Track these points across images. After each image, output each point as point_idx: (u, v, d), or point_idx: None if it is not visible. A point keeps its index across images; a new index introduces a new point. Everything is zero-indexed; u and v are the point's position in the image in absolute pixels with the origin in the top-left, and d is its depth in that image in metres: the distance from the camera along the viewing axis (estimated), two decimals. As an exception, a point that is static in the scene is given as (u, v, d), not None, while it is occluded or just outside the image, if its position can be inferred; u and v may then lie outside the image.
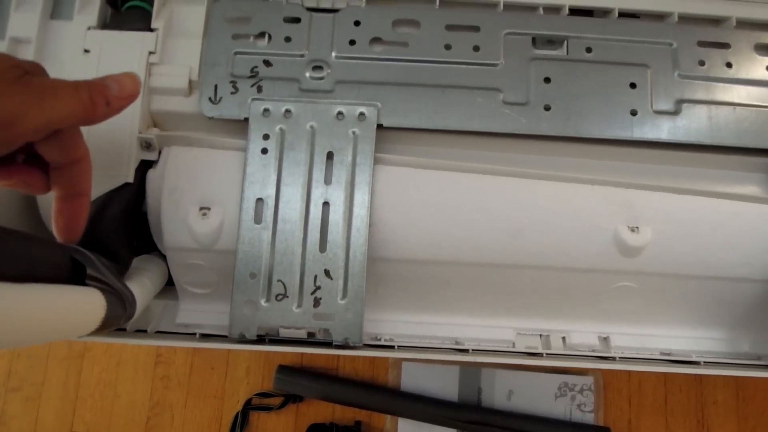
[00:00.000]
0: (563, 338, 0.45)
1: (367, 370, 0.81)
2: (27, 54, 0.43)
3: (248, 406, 0.77)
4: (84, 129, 0.40)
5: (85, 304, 0.31)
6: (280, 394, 0.78)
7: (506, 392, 0.80)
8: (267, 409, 0.77)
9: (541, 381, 0.81)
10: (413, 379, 0.80)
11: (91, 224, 0.39)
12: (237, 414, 0.77)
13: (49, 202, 0.42)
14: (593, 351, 0.44)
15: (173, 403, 0.79)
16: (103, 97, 0.29)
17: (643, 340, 0.45)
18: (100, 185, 0.40)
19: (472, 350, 0.42)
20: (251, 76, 0.41)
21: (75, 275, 0.33)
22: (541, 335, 0.45)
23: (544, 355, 0.42)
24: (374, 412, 0.78)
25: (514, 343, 0.45)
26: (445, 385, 0.80)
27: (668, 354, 0.44)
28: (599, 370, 0.81)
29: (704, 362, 0.42)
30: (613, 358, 0.42)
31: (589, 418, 0.80)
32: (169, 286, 0.46)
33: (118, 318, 0.35)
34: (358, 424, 0.77)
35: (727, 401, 0.83)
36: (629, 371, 0.82)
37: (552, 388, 0.81)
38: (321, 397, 0.77)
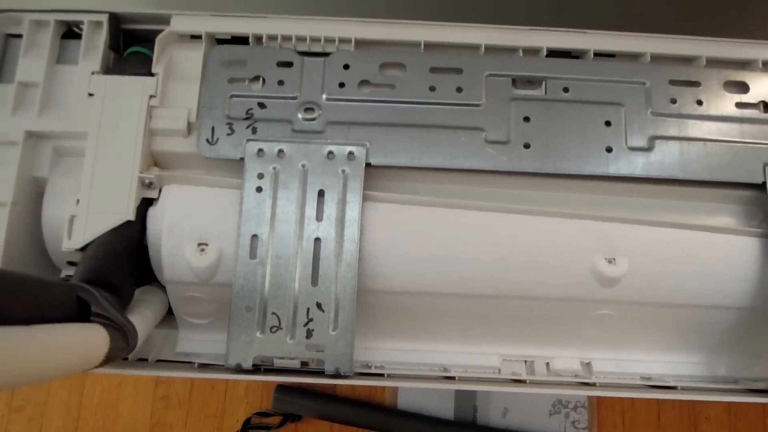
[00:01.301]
0: (547, 364, 0.47)
1: (364, 389, 0.82)
2: (34, 97, 0.45)
3: (247, 426, 0.79)
4: (88, 169, 0.43)
5: (89, 340, 0.33)
6: (279, 413, 0.79)
7: (501, 410, 0.82)
8: (266, 428, 0.79)
9: (535, 399, 0.82)
10: (410, 398, 0.81)
11: (96, 260, 0.42)
12: (236, 433, 0.79)
13: (55, 237, 0.44)
14: (576, 376, 0.46)
15: (173, 423, 0.81)
16: None
17: (625, 365, 0.47)
18: (103, 222, 0.42)
19: (459, 378, 0.43)
20: (246, 118, 0.44)
21: (81, 312, 0.35)
22: (525, 361, 0.47)
23: (528, 381, 0.44)
24: (372, 431, 0.79)
25: (500, 369, 0.46)
26: (441, 404, 0.81)
27: (648, 378, 0.46)
28: (592, 387, 0.82)
29: (681, 387, 0.44)
30: (593, 384, 0.44)
31: (583, 435, 0.81)
32: (169, 315, 0.48)
33: (122, 350, 0.37)
34: (356, 443, 0.79)
35: (720, 416, 0.84)
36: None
37: (546, 405, 0.82)
38: (319, 416, 0.79)
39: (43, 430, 0.81)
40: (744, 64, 0.47)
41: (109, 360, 0.35)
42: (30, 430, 0.81)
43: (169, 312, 0.48)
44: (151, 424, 0.81)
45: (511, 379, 0.44)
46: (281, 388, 0.79)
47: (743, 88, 0.46)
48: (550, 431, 0.81)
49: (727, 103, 0.45)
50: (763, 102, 0.46)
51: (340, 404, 0.79)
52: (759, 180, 0.44)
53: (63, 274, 0.48)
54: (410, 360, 0.46)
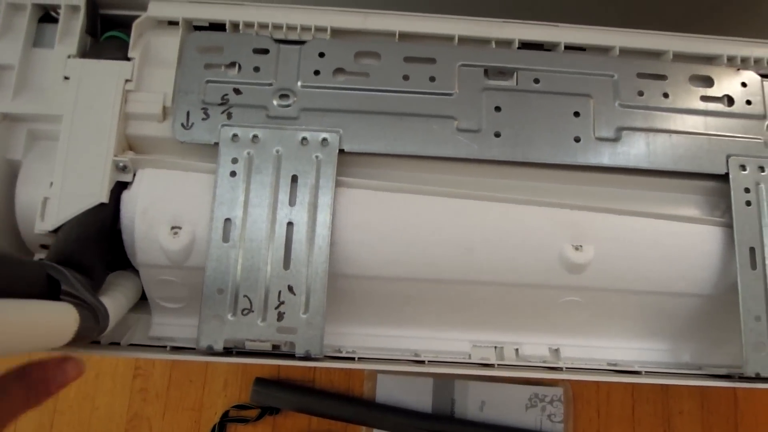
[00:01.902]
0: (516, 350, 0.48)
1: (342, 382, 0.82)
2: (9, 79, 0.45)
3: (225, 419, 0.79)
4: (63, 151, 0.43)
5: (58, 317, 0.34)
6: (257, 406, 0.79)
7: (479, 403, 0.83)
8: (244, 421, 0.79)
9: (512, 392, 0.83)
10: (388, 391, 0.82)
11: (68, 242, 0.42)
12: (214, 426, 0.79)
13: (27, 220, 0.44)
14: (544, 362, 0.47)
15: (151, 416, 0.81)
16: (46, 393, 0.29)
17: (592, 352, 0.48)
18: (76, 204, 0.42)
19: (428, 362, 0.44)
20: (222, 104, 0.44)
21: (50, 291, 0.35)
22: (495, 347, 0.48)
23: (496, 365, 0.45)
24: (350, 424, 0.80)
25: (470, 355, 0.47)
26: (419, 397, 0.82)
27: (615, 364, 0.47)
28: (569, 381, 0.84)
29: (645, 372, 0.45)
30: (561, 369, 0.45)
31: (558, 428, 0.83)
32: (143, 301, 0.48)
33: (91, 330, 0.37)
34: (334, 435, 0.79)
35: (693, 411, 0.86)
36: (598, 382, 0.85)
37: (523, 399, 0.83)
38: (297, 409, 0.79)
39: (18, 423, 0.80)
40: (709, 59, 0.49)
41: (78, 339, 0.36)
42: (5, 422, 0.80)
43: (143, 298, 0.48)
44: (129, 417, 0.81)
45: (480, 364, 0.45)
46: (259, 381, 0.79)
47: (708, 82, 0.47)
48: (527, 424, 0.82)
49: (692, 97, 0.47)
50: (727, 96, 0.47)
51: (318, 397, 0.79)
52: (722, 171, 0.45)
53: (36, 257, 0.48)
54: (382, 345, 0.47)
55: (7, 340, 0.29)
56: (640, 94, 0.46)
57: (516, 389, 0.83)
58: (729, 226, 0.45)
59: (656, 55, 0.48)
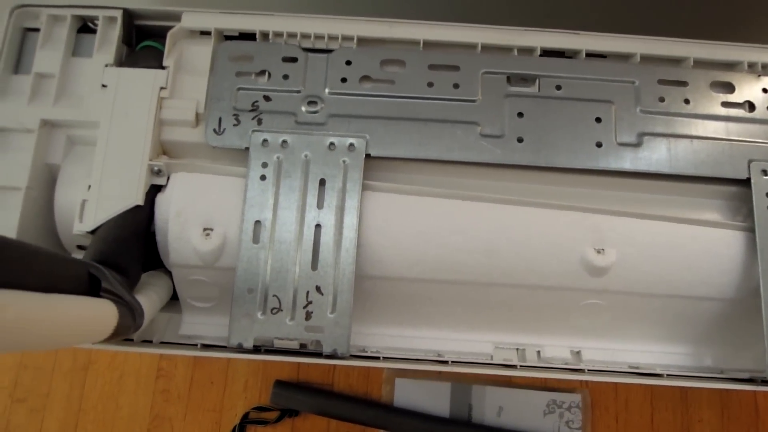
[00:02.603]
0: (538, 352, 0.49)
1: (361, 385, 0.83)
2: (50, 87, 0.47)
3: (245, 420, 0.80)
4: (100, 156, 0.45)
5: (100, 312, 0.35)
6: (277, 408, 0.80)
7: (496, 408, 0.83)
8: (264, 423, 0.80)
9: (530, 398, 0.83)
10: (406, 395, 0.82)
11: (105, 242, 0.43)
12: (234, 427, 0.80)
13: (66, 221, 0.46)
14: (566, 364, 0.48)
15: (173, 416, 0.82)
16: None
17: (614, 355, 0.49)
18: (113, 207, 0.44)
19: (452, 362, 0.45)
20: (252, 110, 0.46)
21: (91, 288, 0.37)
22: (517, 349, 0.49)
23: (519, 366, 0.46)
24: (368, 427, 0.80)
25: (492, 356, 0.48)
26: (436, 401, 0.82)
27: (636, 367, 0.48)
28: (587, 388, 0.84)
29: (667, 375, 0.45)
30: (582, 371, 0.46)
31: (577, 435, 0.82)
32: (173, 301, 0.49)
33: (128, 328, 0.39)
34: (352, 438, 0.80)
35: (712, 420, 0.85)
36: (616, 389, 0.85)
37: (541, 405, 0.83)
38: (316, 411, 0.80)
39: (44, 421, 0.82)
40: (730, 66, 0.49)
41: (116, 335, 0.37)
42: (32, 421, 0.82)
43: (173, 298, 0.49)
44: (151, 417, 0.82)
45: (503, 365, 0.46)
46: (279, 383, 0.80)
47: (729, 88, 0.48)
48: (545, 431, 0.82)
49: (713, 103, 0.47)
50: (748, 102, 0.48)
51: (337, 400, 0.80)
52: (743, 176, 0.46)
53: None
54: (405, 346, 0.48)
55: (52, 332, 0.31)
56: (662, 100, 0.47)
57: (534, 395, 0.83)
58: (751, 230, 0.45)
59: (677, 61, 0.49)
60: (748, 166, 0.46)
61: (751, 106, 0.48)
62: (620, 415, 0.85)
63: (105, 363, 0.84)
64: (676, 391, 0.85)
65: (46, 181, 0.47)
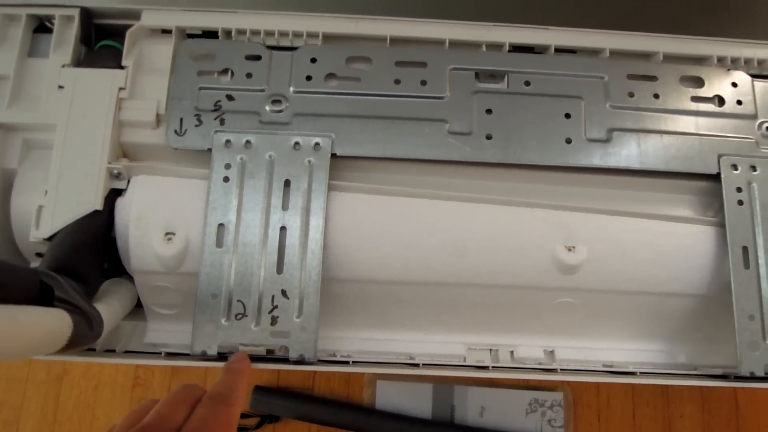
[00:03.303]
0: (511, 352, 0.48)
1: (342, 389, 0.82)
2: (4, 89, 0.46)
3: (224, 427, 0.78)
4: (57, 160, 0.43)
5: (52, 323, 0.34)
6: (257, 414, 0.79)
7: (479, 409, 0.82)
8: (244, 429, 0.79)
9: (512, 397, 0.83)
10: (387, 398, 0.82)
11: (62, 249, 0.42)
12: (213, 434, 0.78)
13: (23, 228, 0.44)
14: (539, 364, 0.47)
15: (150, 425, 0.80)
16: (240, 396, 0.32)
17: (587, 353, 0.48)
18: (71, 212, 0.43)
19: (423, 364, 0.44)
20: (215, 110, 0.45)
21: (44, 297, 0.36)
22: (490, 350, 0.48)
23: (491, 368, 0.45)
24: (350, 431, 0.79)
25: (465, 358, 0.47)
26: (418, 403, 0.82)
27: (610, 366, 0.47)
28: (569, 386, 0.83)
29: (640, 372, 0.45)
30: (555, 370, 0.45)
31: (559, 433, 0.82)
32: (138, 308, 0.48)
33: (85, 337, 0.37)
34: (334, 443, 0.79)
35: (693, 415, 0.85)
36: (598, 387, 0.85)
37: (523, 404, 0.83)
38: (297, 416, 0.79)
39: (18, 432, 0.80)
40: (700, 60, 0.49)
41: (72, 345, 0.36)
42: (5, 434, 0.80)
43: (138, 305, 0.48)
44: (128, 427, 0.81)
45: (475, 366, 0.45)
46: (259, 389, 0.79)
47: (699, 82, 0.48)
48: (527, 430, 0.82)
49: (683, 97, 0.47)
50: (718, 96, 0.47)
51: (318, 405, 0.79)
52: (713, 171, 0.46)
53: (32, 266, 0.48)
54: (376, 349, 0.47)
55: (1, 345, 0.29)
56: (631, 95, 0.46)
57: (516, 394, 0.83)
58: (722, 225, 0.45)
59: (646, 56, 0.49)
60: (718, 161, 0.46)
61: (720, 101, 0.47)
62: (602, 412, 0.85)
63: (80, 373, 0.82)
64: (658, 388, 0.85)
65: (2, 186, 0.46)
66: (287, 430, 0.80)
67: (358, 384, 0.83)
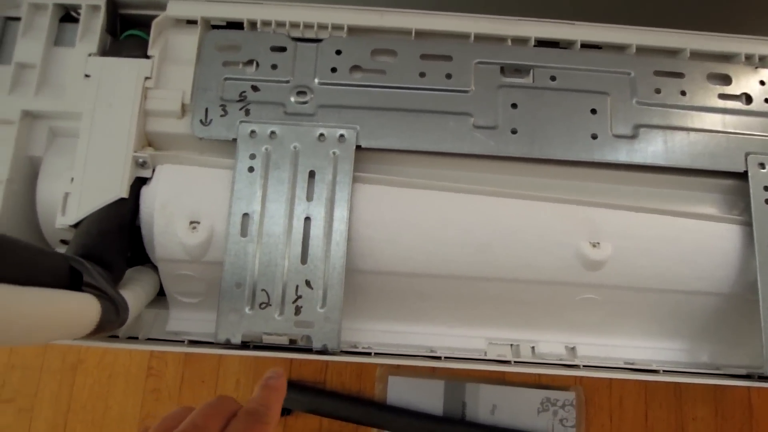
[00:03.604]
0: (532, 347, 0.48)
1: (354, 383, 0.82)
2: (31, 77, 0.46)
3: (237, 419, 0.79)
4: (83, 148, 0.44)
5: (81, 307, 0.34)
6: (269, 406, 0.79)
7: (490, 406, 0.82)
8: (255, 421, 0.79)
9: (524, 396, 0.83)
10: (399, 393, 0.82)
11: (88, 236, 0.42)
12: (226, 426, 0.78)
13: (48, 215, 0.44)
14: (561, 360, 0.47)
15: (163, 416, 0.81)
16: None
17: (608, 350, 0.48)
18: (97, 199, 0.43)
19: (445, 357, 0.44)
20: (240, 100, 0.45)
21: (72, 282, 0.36)
22: (511, 345, 0.48)
23: (513, 362, 0.45)
24: (361, 426, 0.79)
25: (485, 352, 0.47)
26: (430, 399, 0.82)
27: (632, 363, 0.47)
28: (581, 385, 0.83)
29: (663, 371, 0.45)
30: (577, 366, 0.45)
31: (570, 432, 0.82)
32: (160, 297, 0.48)
33: (112, 323, 0.38)
34: (345, 436, 0.79)
35: (706, 417, 0.85)
36: (610, 387, 0.84)
37: (535, 403, 0.83)
38: (309, 410, 0.79)
39: (33, 421, 0.81)
40: (727, 58, 0.48)
41: (99, 330, 0.36)
42: (20, 421, 0.81)
43: (160, 293, 0.48)
44: (141, 417, 0.81)
45: (497, 360, 0.45)
46: (271, 381, 0.79)
47: (726, 80, 0.47)
48: (539, 429, 0.82)
49: (710, 95, 0.47)
50: (745, 94, 0.47)
51: (329, 398, 0.79)
52: (740, 169, 0.45)
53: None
54: (397, 341, 0.47)
55: (33, 328, 0.30)
56: (658, 91, 0.46)
57: (528, 393, 0.83)
58: (748, 224, 0.45)
59: (673, 53, 0.48)
60: (746, 159, 0.45)
61: (748, 98, 0.47)
62: (614, 412, 0.84)
63: (94, 362, 0.83)
64: (670, 389, 0.85)
65: (28, 173, 0.46)
66: (298, 423, 0.80)
67: (370, 379, 0.83)
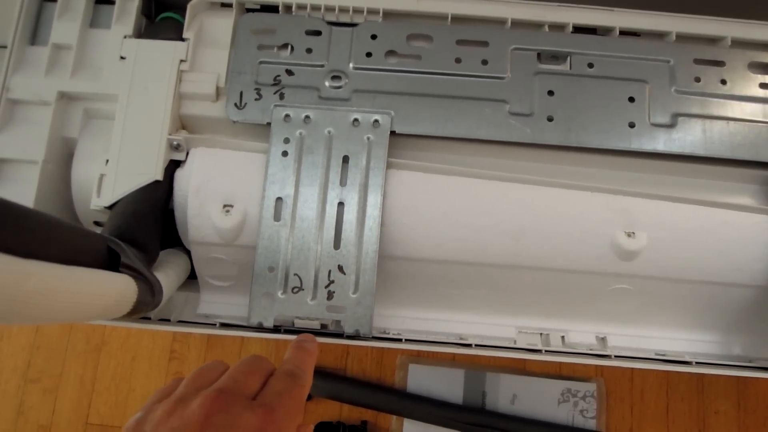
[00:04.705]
0: (562, 337, 0.47)
1: (374, 371, 0.83)
2: (68, 59, 0.46)
3: (258, 402, 0.79)
4: (118, 130, 0.44)
5: (120, 288, 0.34)
6: (290, 391, 0.79)
7: (510, 396, 0.82)
8: (276, 406, 0.79)
9: (544, 386, 0.82)
10: (419, 381, 0.82)
11: (123, 217, 0.42)
12: (247, 409, 0.79)
13: (83, 196, 0.45)
14: (591, 350, 0.47)
15: (186, 398, 0.82)
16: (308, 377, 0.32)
17: (640, 341, 0.48)
18: (131, 181, 0.43)
19: (475, 345, 0.44)
20: (274, 84, 0.45)
21: (110, 263, 0.36)
22: (541, 334, 0.48)
23: (543, 351, 0.44)
24: (380, 413, 0.80)
25: (515, 341, 0.47)
26: (450, 388, 0.82)
27: (663, 354, 0.47)
28: (602, 377, 0.83)
29: (696, 362, 0.44)
30: (608, 356, 0.44)
31: (591, 424, 0.82)
32: (190, 280, 0.48)
33: (147, 305, 0.38)
34: (365, 423, 0.79)
35: (729, 411, 0.84)
36: (632, 379, 0.84)
37: (555, 393, 0.82)
38: (329, 396, 0.79)
39: (57, 401, 0.82)
40: (769, 46, 0.47)
41: (136, 311, 0.36)
42: (45, 401, 0.82)
43: (191, 277, 0.48)
44: (164, 399, 0.82)
45: (527, 349, 0.45)
46: (292, 367, 0.79)
47: (767, 69, 0.46)
48: (559, 419, 0.81)
49: (751, 84, 0.46)
50: (788, 83, 0.46)
51: (350, 385, 0.80)
52: (781, 160, 0.44)
53: (90, 234, 0.49)
54: (426, 328, 0.47)
55: (74, 306, 0.30)
56: (697, 80, 0.45)
57: (548, 383, 0.82)
58: (787, 216, 0.44)
59: (714, 41, 0.47)
60: (787, 150, 0.44)
61: (790, 88, 0.46)
62: (635, 405, 0.84)
63: (118, 344, 0.84)
64: (692, 382, 0.84)
65: (63, 155, 0.46)
66: (319, 409, 0.81)
67: (390, 366, 0.83)
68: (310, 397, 0.80)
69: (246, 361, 0.30)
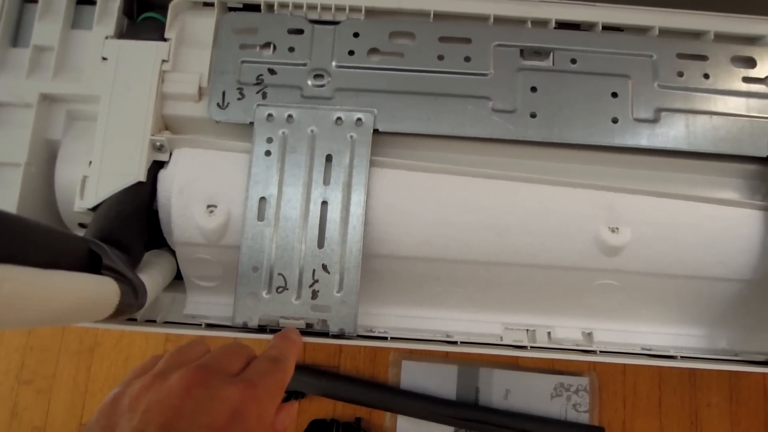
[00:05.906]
0: (549, 333, 0.48)
1: (367, 368, 0.83)
2: (49, 60, 0.46)
3: (251, 401, 0.79)
4: (101, 131, 0.44)
5: (101, 290, 0.34)
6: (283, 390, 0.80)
7: (503, 391, 0.82)
8: (270, 404, 0.79)
9: (537, 381, 0.83)
10: (412, 378, 0.82)
11: (106, 219, 0.42)
12: (240, 408, 0.79)
13: (67, 198, 0.45)
14: (577, 345, 0.47)
15: (179, 397, 0.82)
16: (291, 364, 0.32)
17: (626, 336, 0.48)
18: (115, 183, 0.43)
19: (461, 342, 0.44)
20: (257, 84, 0.44)
21: (92, 265, 0.36)
22: (527, 330, 0.48)
23: (529, 348, 0.45)
24: (374, 409, 0.80)
25: (501, 337, 0.47)
26: (443, 384, 0.82)
27: (649, 349, 0.47)
28: (595, 371, 0.83)
29: (681, 356, 0.44)
30: (594, 352, 0.45)
31: (584, 418, 0.82)
32: (177, 281, 0.48)
33: (131, 306, 0.38)
34: (359, 420, 0.80)
35: (721, 404, 0.84)
36: (624, 373, 0.84)
37: (548, 388, 0.83)
38: (322, 393, 0.80)
39: (51, 402, 0.82)
40: (752, 40, 0.47)
41: (118, 313, 0.36)
42: (38, 402, 0.82)
43: (177, 278, 0.48)
44: (157, 399, 0.82)
45: (513, 345, 0.45)
46: (285, 365, 0.79)
47: (750, 63, 0.46)
48: (552, 414, 0.82)
49: (734, 78, 0.46)
50: (770, 77, 0.46)
51: (343, 382, 0.80)
52: (763, 154, 0.44)
53: (74, 236, 0.48)
54: (413, 326, 0.47)
55: (53, 310, 0.30)
56: (680, 74, 0.45)
57: (541, 378, 0.83)
58: (770, 209, 0.44)
59: (696, 35, 0.47)
60: (769, 144, 0.44)
61: (773, 82, 0.46)
62: (628, 398, 0.84)
63: (111, 345, 0.84)
64: (685, 375, 0.84)
65: (46, 157, 0.46)
66: (312, 407, 0.81)
67: (384, 363, 0.83)
68: (303, 395, 0.80)
69: (229, 345, 0.30)
